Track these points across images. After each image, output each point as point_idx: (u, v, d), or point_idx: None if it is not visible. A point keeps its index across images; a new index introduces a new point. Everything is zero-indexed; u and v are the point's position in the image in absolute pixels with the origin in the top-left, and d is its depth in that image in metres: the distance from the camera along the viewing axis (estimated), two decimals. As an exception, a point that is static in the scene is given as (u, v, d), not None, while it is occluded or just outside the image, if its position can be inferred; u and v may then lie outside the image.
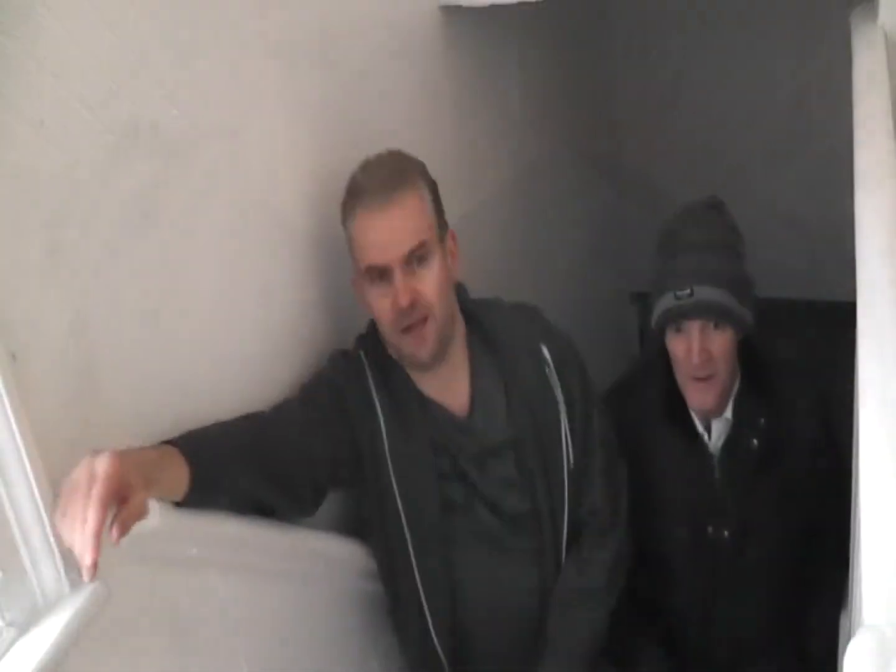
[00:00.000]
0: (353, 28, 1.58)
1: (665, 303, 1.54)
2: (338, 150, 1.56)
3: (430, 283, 1.36)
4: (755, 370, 1.65)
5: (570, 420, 1.49)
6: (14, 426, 0.96)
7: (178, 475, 1.13)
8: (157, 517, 1.16)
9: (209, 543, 1.28)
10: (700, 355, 1.53)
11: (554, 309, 2.71)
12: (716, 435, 1.65)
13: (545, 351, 1.49)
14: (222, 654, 1.34)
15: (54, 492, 0.99)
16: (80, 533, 0.90)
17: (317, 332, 1.53)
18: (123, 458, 0.96)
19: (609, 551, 1.55)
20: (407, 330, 1.36)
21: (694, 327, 1.53)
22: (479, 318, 1.50)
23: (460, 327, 1.47)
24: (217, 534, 1.30)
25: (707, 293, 1.50)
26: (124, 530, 0.94)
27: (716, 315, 1.52)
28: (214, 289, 1.30)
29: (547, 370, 1.48)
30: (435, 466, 1.45)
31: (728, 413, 1.63)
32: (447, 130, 1.96)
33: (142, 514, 0.98)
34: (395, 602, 1.52)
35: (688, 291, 1.50)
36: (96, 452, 0.95)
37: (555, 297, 2.70)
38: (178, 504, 1.17)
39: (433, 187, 1.43)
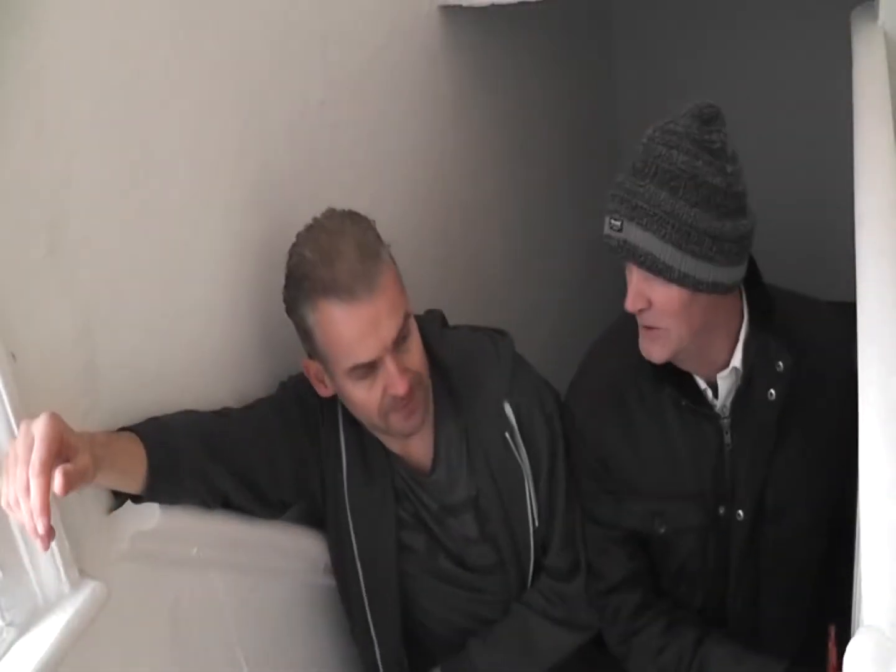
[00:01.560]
0: (352, 28, 1.58)
1: (604, 226, 1.25)
2: (338, 150, 1.56)
3: (415, 351, 1.30)
4: (765, 310, 1.34)
5: (536, 481, 1.41)
6: (14, 426, 0.97)
7: (134, 457, 1.12)
8: (157, 517, 1.17)
9: (209, 543, 1.28)
10: (634, 302, 1.25)
11: (554, 309, 2.72)
12: (723, 392, 1.35)
13: (508, 410, 1.39)
14: (222, 654, 1.34)
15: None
16: (26, 502, 0.89)
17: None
18: (62, 421, 0.95)
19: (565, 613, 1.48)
20: (396, 409, 1.29)
21: (630, 267, 1.25)
22: (443, 366, 1.40)
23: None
24: (217, 534, 1.30)
25: (635, 234, 1.19)
26: (69, 485, 0.91)
27: (646, 266, 1.21)
28: (215, 288, 1.30)
29: (508, 434, 1.39)
30: (395, 513, 1.42)
31: (736, 361, 1.32)
32: (447, 130, 1.96)
33: (87, 475, 0.96)
34: (351, 623, 1.51)
35: (618, 224, 1.21)
36: (33, 418, 0.94)
37: (554, 297, 2.70)
38: (142, 497, 1.15)
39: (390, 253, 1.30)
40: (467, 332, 1.47)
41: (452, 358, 1.41)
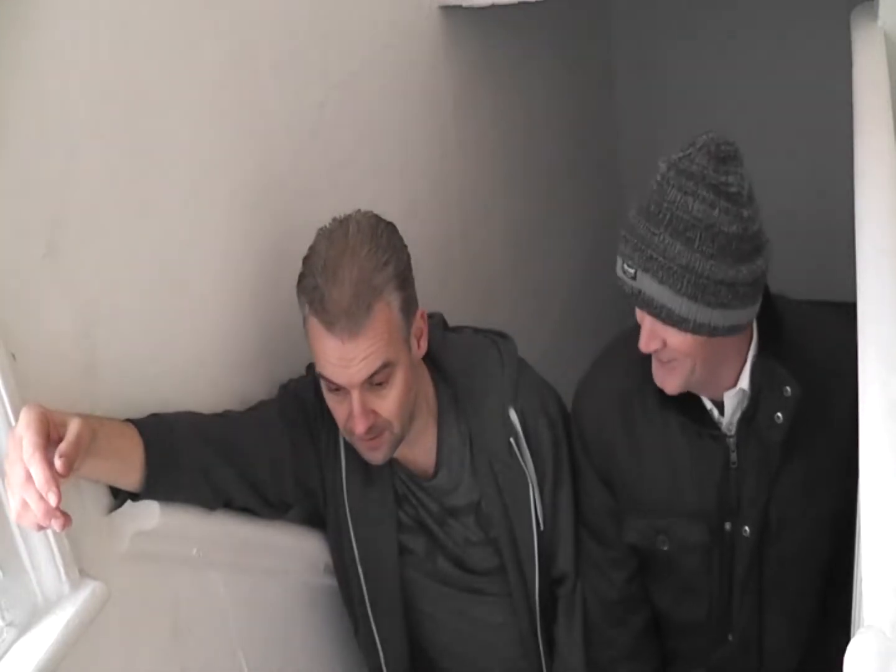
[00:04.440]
0: (352, 28, 1.58)
1: (617, 266, 1.24)
2: (338, 151, 1.56)
3: (390, 401, 1.27)
4: (775, 331, 1.32)
5: (540, 486, 1.41)
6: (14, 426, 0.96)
7: (131, 439, 1.12)
8: (158, 517, 1.17)
9: (209, 543, 1.28)
10: (648, 344, 1.25)
11: (556, 310, 2.72)
12: (729, 410, 1.34)
13: (513, 416, 1.39)
14: (222, 654, 1.34)
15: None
16: (31, 489, 0.89)
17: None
18: (41, 405, 0.95)
19: (579, 625, 1.49)
20: (356, 439, 1.30)
21: (643, 313, 1.24)
22: (447, 372, 1.41)
23: (428, 386, 1.40)
24: (217, 534, 1.30)
25: (650, 286, 1.18)
26: (69, 462, 0.91)
27: (661, 318, 1.21)
28: (216, 287, 1.30)
29: (513, 440, 1.39)
30: (395, 517, 1.42)
31: (744, 383, 1.31)
32: (447, 130, 1.96)
33: (83, 439, 0.96)
34: (355, 627, 1.51)
35: (632, 272, 1.20)
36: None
37: (556, 299, 2.70)
38: (141, 493, 1.14)
39: (402, 277, 1.25)
40: (470, 335, 1.47)
41: (456, 363, 1.41)
